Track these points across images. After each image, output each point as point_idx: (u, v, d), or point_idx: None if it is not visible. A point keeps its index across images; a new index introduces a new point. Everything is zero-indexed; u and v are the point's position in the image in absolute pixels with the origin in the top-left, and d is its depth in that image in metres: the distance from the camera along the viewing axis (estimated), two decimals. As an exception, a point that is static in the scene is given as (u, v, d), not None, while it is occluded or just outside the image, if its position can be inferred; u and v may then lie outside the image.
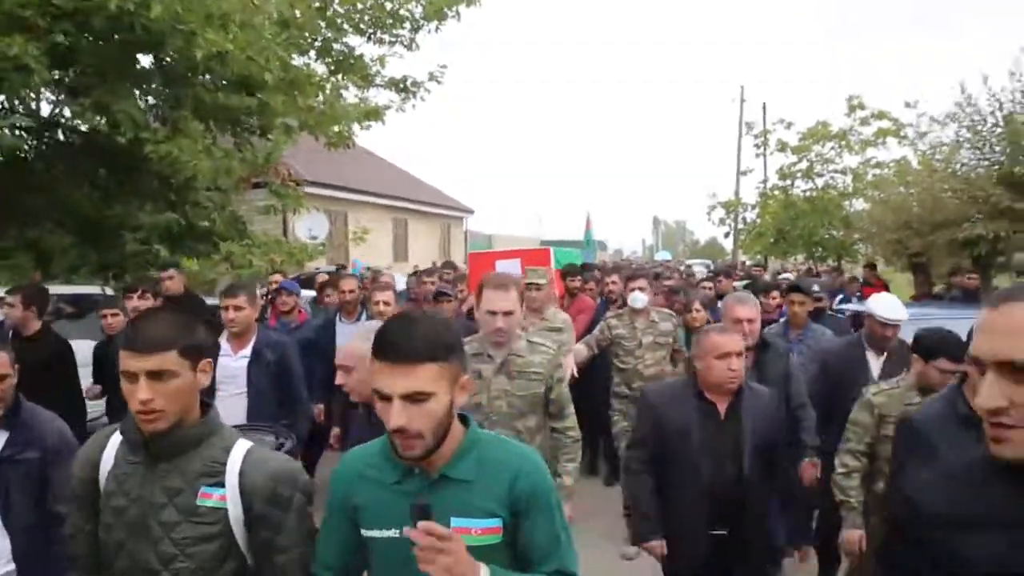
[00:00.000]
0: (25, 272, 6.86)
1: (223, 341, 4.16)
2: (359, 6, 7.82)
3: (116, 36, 5.67)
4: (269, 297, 6.37)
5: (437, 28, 8.20)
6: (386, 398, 1.42)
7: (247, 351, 4.15)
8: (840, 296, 8.70)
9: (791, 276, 12.26)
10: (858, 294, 9.06)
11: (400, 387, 1.40)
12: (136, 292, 4.99)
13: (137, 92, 6.90)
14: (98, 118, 6.45)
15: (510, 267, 6.19)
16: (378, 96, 8.93)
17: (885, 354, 3.90)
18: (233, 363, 4.14)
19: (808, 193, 19.22)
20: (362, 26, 8.20)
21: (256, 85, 6.91)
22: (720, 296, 6.27)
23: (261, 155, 7.06)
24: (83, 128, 7.21)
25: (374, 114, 8.62)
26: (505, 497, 1.53)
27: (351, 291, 5.47)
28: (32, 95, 5.99)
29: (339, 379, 2.72)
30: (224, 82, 6.87)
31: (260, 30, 5.74)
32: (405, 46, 8.57)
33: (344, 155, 10.76)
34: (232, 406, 3.97)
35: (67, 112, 6.98)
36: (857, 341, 4.03)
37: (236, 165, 6.72)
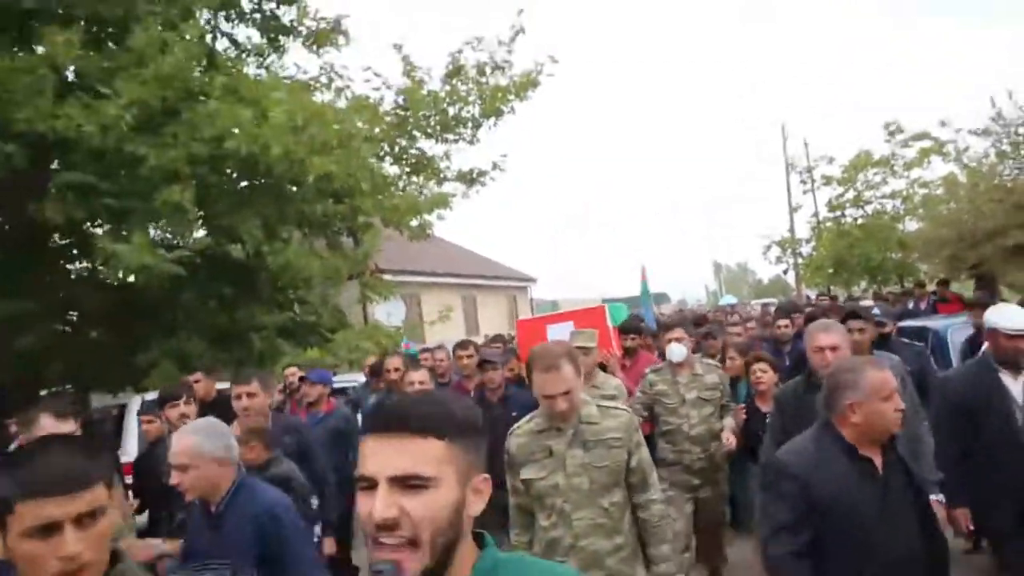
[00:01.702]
0: (172, 377, 8.09)
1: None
2: (427, 116, 9.05)
3: (243, 175, 6.94)
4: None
5: (495, 124, 9.37)
6: (369, 485, 1.02)
7: None
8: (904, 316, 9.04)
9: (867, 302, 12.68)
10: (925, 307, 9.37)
11: (390, 465, 1.01)
12: (181, 399, 4.36)
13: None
14: (224, 240, 7.73)
15: (562, 331, 5.71)
16: (446, 187, 10.07)
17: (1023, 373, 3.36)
18: None
19: (859, 220, 19.58)
20: (429, 131, 9.43)
21: (351, 195, 8.10)
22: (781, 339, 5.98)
23: (361, 254, 8.21)
24: (208, 251, 8.45)
25: (442, 202, 9.76)
26: None
27: (396, 369, 5.26)
28: (186, 232, 7.25)
29: (173, 479, 2.52)
30: (326, 197, 8.10)
31: (358, 152, 6.93)
32: (468, 142, 9.76)
33: (410, 242, 11.93)
34: None
35: (201, 239, 8.23)
36: (985, 363, 3.52)
37: (342, 265, 7.86)
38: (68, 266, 8.91)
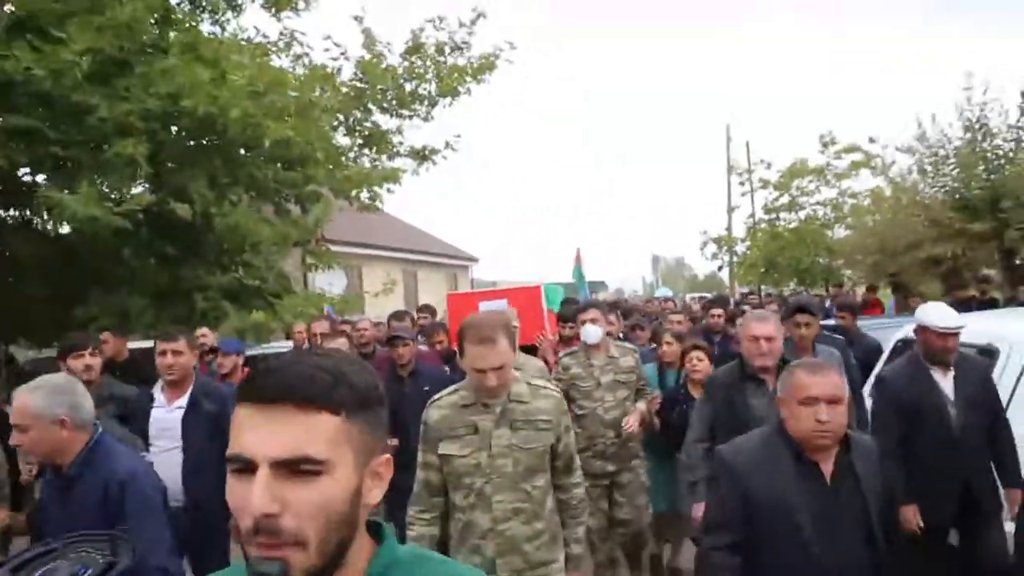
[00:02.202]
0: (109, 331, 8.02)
1: (157, 392, 3.86)
2: (384, 90, 9.12)
3: (197, 134, 6.91)
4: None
5: (451, 103, 9.51)
6: (247, 468, 0.83)
7: (183, 401, 3.80)
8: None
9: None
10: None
11: (273, 445, 0.82)
12: (86, 349, 4.19)
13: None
14: (170, 199, 7.68)
15: (496, 308, 5.54)
16: (397, 162, 10.18)
17: (952, 370, 3.43)
18: (167, 414, 3.79)
19: (792, 224, 20.51)
20: (385, 105, 9.50)
21: (303, 163, 8.13)
22: (712, 330, 6.17)
23: (312, 222, 8.26)
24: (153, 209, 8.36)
25: (392, 177, 9.86)
26: None
27: (299, 332, 5.30)
28: (130, 187, 7.17)
29: (13, 439, 2.44)
30: (277, 162, 8.11)
31: (316, 121, 6.99)
32: (422, 119, 9.87)
33: (355, 214, 11.94)
34: (166, 462, 3.63)
35: (140, 196, 8.14)
36: (915, 360, 3.55)
37: (292, 232, 7.90)
38: (2, 213, 8.67)
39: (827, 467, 2.18)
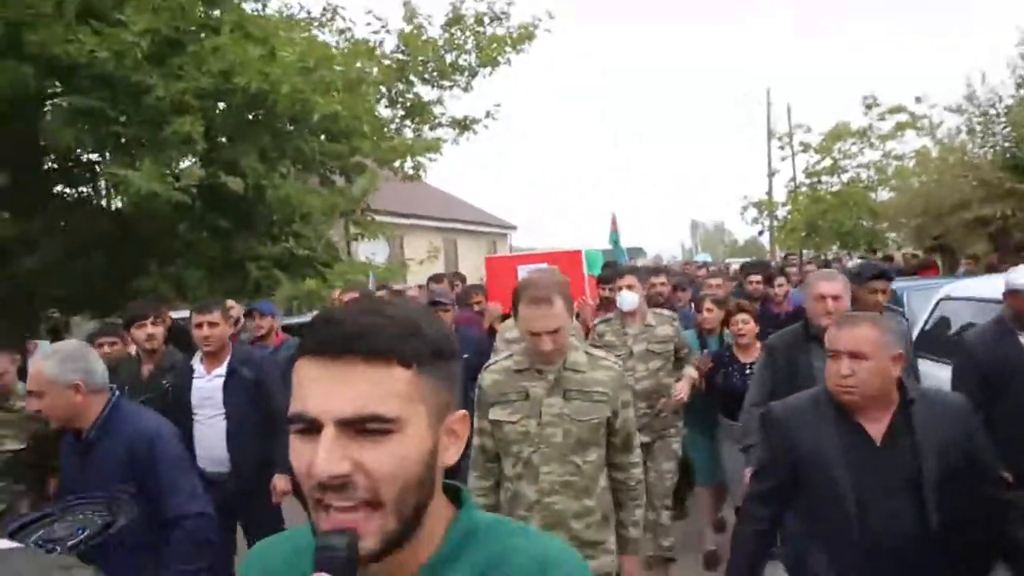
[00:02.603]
0: (168, 301, 8.41)
1: (196, 362, 3.92)
2: (425, 62, 9.27)
3: (247, 109, 7.16)
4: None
5: (491, 73, 9.61)
6: (311, 427, 0.77)
7: (222, 370, 3.88)
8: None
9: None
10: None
11: (339, 402, 0.76)
12: (148, 318, 4.21)
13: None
14: (222, 173, 7.98)
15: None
16: (437, 132, 10.35)
17: None
18: (207, 384, 3.88)
19: (834, 188, 20.18)
20: (426, 76, 9.65)
21: (350, 136, 8.35)
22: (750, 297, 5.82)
23: (359, 192, 8.51)
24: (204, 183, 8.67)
25: (434, 147, 10.04)
26: None
27: (334, 301, 5.24)
28: (182, 162, 7.48)
29: (30, 404, 2.53)
30: (323, 135, 8.34)
31: (364, 96, 7.18)
32: (463, 89, 10.00)
33: (396, 184, 12.17)
34: (209, 431, 3.78)
35: (189, 170, 8.43)
36: (1002, 324, 3.39)
37: (341, 202, 8.16)
38: (64, 190, 9.08)
39: (878, 426, 2.05)
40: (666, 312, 4.59)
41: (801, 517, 2.23)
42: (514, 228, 30.08)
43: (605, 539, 2.49)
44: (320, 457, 0.74)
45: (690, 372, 4.35)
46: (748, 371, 4.21)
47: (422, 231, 21.31)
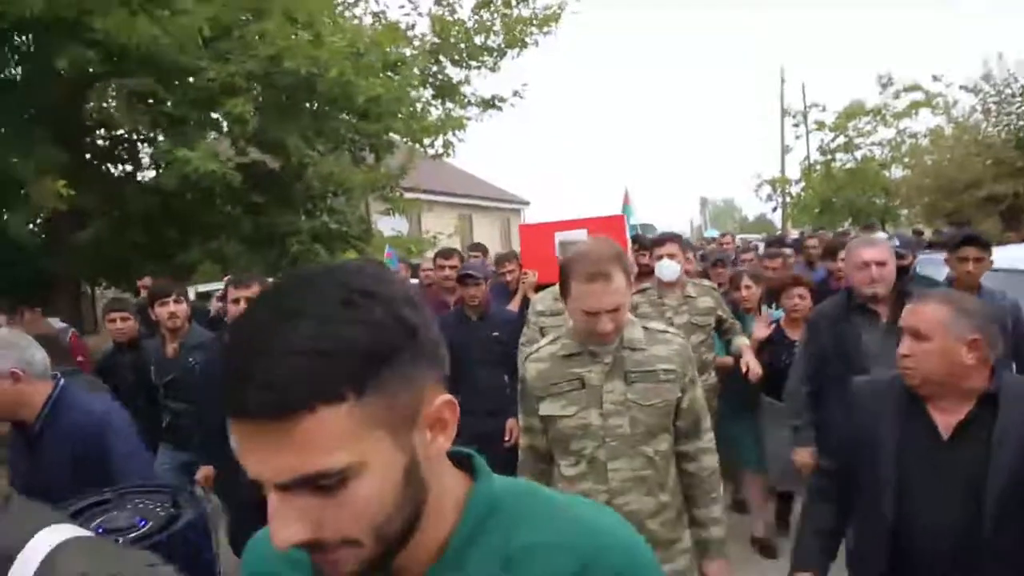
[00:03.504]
0: (213, 275, 8.82)
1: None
2: (455, 44, 9.59)
3: (292, 92, 7.52)
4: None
5: (519, 54, 9.92)
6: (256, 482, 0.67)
7: None
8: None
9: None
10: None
11: (270, 470, 0.64)
12: (171, 296, 4.07)
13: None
14: (264, 151, 8.37)
15: (574, 239, 5.03)
16: (466, 111, 10.67)
17: None
18: None
19: (848, 165, 20.40)
20: (456, 57, 9.96)
21: (380, 116, 8.69)
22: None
23: (398, 169, 8.88)
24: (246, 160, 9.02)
25: (458, 125, 10.38)
26: None
27: None
28: (243, 142, 7.86)
29: None
30: (359, 114, 8.70)
31: (406, 77, 7.53)
32: (490, 69, 10.31)
33: (432, 160, 12.52)
34: None
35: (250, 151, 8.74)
36: None
37: (381, 177, 8.55)
38: (108, 168, 9.46)
39: (950, 419, 1.86)
40: (706, 282, 4.27)
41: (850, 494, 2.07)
42: (527, 204, 30.34)
43: (680, 536, 2.19)
44: (273, 528, 0.64)
45: (743, 342, 3.97)
46: (796, 348, 3.83)
47: (438, 207, 21.62)
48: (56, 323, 4.61)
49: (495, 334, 4.21)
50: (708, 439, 2.23)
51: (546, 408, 2.15)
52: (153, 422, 3.93)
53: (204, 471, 3.68)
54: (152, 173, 8.99)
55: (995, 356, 1.86)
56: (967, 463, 1.81)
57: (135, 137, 8.91)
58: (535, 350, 2.24)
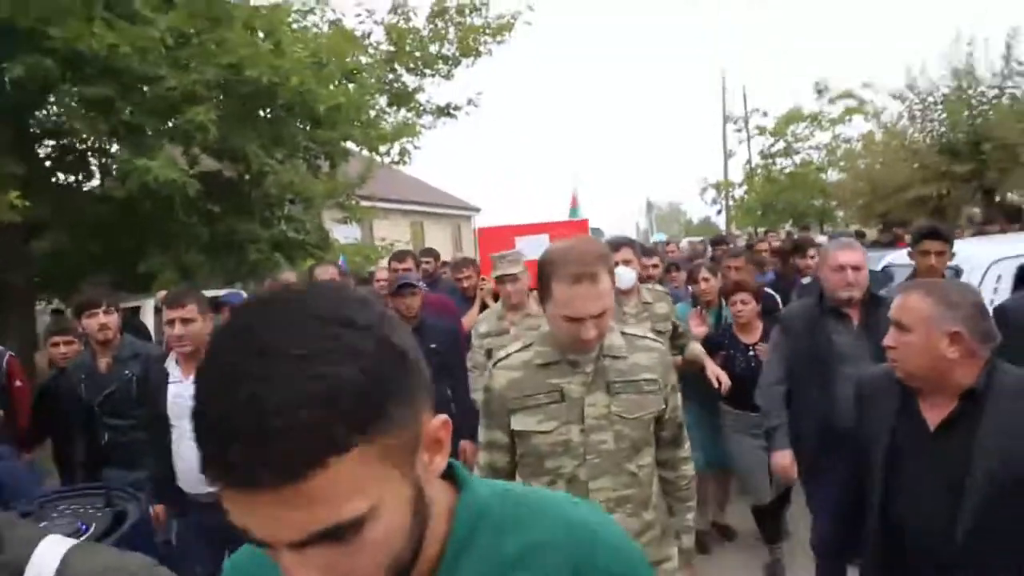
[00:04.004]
0: (173, 284, 8.78)
1: (170, 365, 3.27)
2: (411, 52, 9.78)
3: (252, 101, 7.57)
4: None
5: (473, 63, 10.16)
6: (262, 543, 0.63)
7: None
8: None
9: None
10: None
11: (282, 532, 0.60)
12: (100, 307, 3.78)
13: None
14: (222, 159, 8.38)
15: (534, 245, 5.03)
16: (422, 119, 10.85)
17: None
18: (187, 389, 3.08)
19: (787, 169, 21.28)
20: (411, 65, 10.14)
21: (334, 124, 8.77)
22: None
23: (358, 178, 8.99)
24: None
25: (411, 132, 10.55)
26: None
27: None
28: (196, 150, 7.85)
29: None
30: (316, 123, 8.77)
31: (366, 86, 7.66)
32: (444, 77, 10.52)
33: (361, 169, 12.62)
34: (192, 445, 2.57)
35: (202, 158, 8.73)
36: None
37: (340, 186, 8.64)
38: (59, 177, 9.31)
39: (937, 413, 1.84)
40: (659, 287, 4.22)
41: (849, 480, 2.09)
42: (478, 210, 30.57)
43: (669, 555, 2.09)
44: None
45: (698, 349, 3.97)
46: (751, 352, 4.04)
47: (391, 215, 21.67)
48: (-10, 346, 4.28)
49: (432, 345, 4.01)
50: (687, 447, 2.15)
51: (519, 422, 1.98)
52: (90, 446, 3.74)
53: (156, 510, 3.25)
54: (102, 182, 8.90)
55: (988, 350, 1.81)
56: (950, 461, 1.78)
57: (86, 146, 8.81)
58: (504, 356, 2.07)
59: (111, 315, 3.83)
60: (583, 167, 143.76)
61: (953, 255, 3.59)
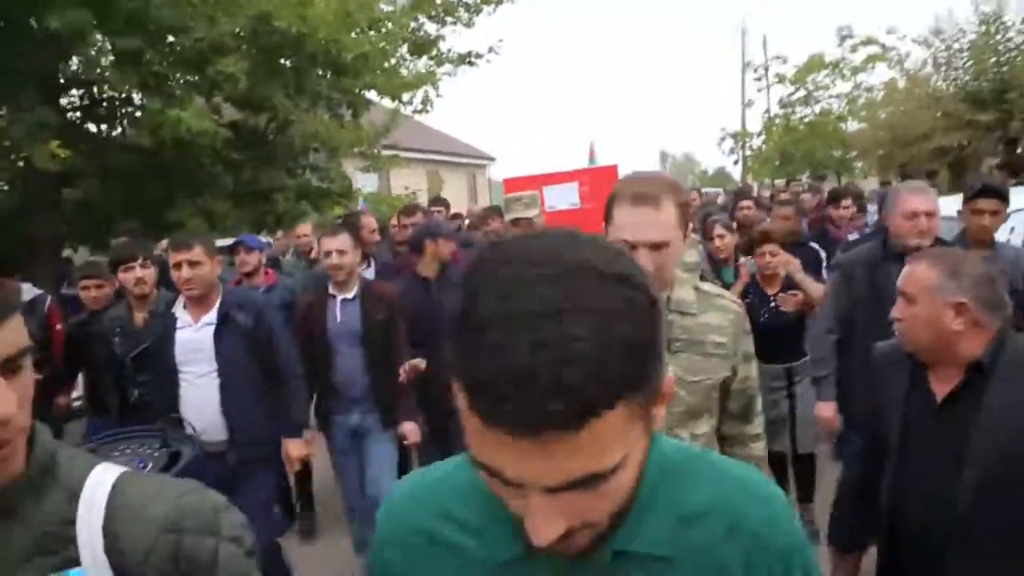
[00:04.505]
0: (203, 232, 8.99)
1: (178, 310, 3.29)
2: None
3: (279, 51, 7.64)
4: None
5: (494, 10, 10.11)
6: (512, 483, 0.64)
7: (211, 317, 3.24)
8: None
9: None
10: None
11: (544, 476, 0.62)
12: (136, 260, 3.70)
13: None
14: (250, 110, 8.50)
15: (564, 194, 4.91)
16: (443, 68, 10.84)
17: None
18: (195, 334, 3.23)
19: (807, 118, 21.05)
20: (432, 13, 10.11)
21: (358, 73, 8.82)
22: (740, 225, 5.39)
23: (383, 128, 9.09)
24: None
25: (431, 79, 10.57)
26: None
27: (304, 235, 5.22)
28: (221, 100, 7.96)
29: None
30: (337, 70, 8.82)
31: (394, 34, 7.71)
32: (465, 25, 10.49)
33: (380, 117, 12.66)
34: (199, 391, 3.18)
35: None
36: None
37: (364, 136, 8.76)
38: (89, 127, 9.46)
39: (944, 387, 1.80)
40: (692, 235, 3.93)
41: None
42: (493, 159, 30.48)
43: None
44: (535, 525, 0.65)
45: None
46: (772, 303, 3.92)
47: (407, 163, 21.71)
48: (31, 290, 4.28)
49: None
50: (759, 423, 1.98)
51: None
52: (122, 400, 3.65)
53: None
54: (123, 132, 9.03)
55: (998, 321, 1.75)
56: (954, 434, 1.74)
57: (113, 96, 8.92)
58: None
59: (148, 268, 3.74)
60: (599, 118, 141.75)
61: (1007, 215, 3.30)
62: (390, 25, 8.12)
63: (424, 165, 23.57)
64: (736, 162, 25.19)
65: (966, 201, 3.26)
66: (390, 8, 8.52)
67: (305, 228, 6.72)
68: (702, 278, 3.70)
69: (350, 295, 3.72)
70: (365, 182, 14.38)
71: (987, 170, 12.77)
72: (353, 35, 7.47)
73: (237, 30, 7.16)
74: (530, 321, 0.59)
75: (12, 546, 0.84)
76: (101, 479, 0.92)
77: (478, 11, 10.12)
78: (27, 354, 0.85)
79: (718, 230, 4.47)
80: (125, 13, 6.94)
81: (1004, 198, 3.20)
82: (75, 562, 0.86)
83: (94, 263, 4.38)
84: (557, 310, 0.59)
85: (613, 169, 5.20)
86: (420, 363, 3.70)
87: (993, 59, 11.94)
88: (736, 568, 0.77)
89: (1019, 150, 12.12)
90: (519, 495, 0.65)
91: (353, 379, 3.69)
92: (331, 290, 3.76)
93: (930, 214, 2.86)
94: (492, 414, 0.60)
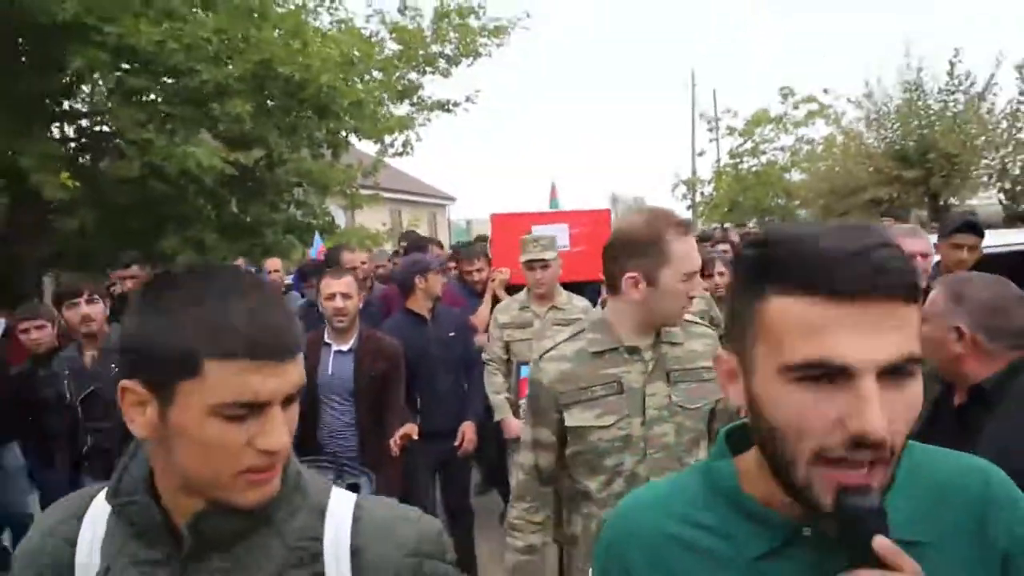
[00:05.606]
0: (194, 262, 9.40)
1: (328, 337, 3.35)
2: (416, 50, 10.54)
3: (279, 95, 8.25)
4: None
5: (472, 63, 10.96)
6: (827, 375, 0.69)
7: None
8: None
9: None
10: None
11: (881, 350, 0.68)
12: (81, 295, 3.43)
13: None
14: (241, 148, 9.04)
15: (554, 234, 4.55)
16: (423, 114, 11.62)
17: None
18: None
19: (754, 168, 22.50)
20: (415, 63, 10.90)
21: (339, 116, 9.42)
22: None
23: (370, 167, 9.72)
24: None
25: (412, 124, 11.29)
26: (985, 561, 0.79)
27: (275, 271, 5.21)
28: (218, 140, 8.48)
29: None
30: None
31: (387, 83, 8.40)
32: (443, 75, 11.30)
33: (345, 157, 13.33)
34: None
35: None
36: None
37: (353, 174, 9.38)
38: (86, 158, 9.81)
39: (960, 399, 1.86)
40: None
41: None
42: (453, 199, 31.27)
43: None
44: (869, 414, 0.65)
45: None
46: None
47: (381, 201, 22.31)
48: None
49: (451, 334, 3.95)
50: None
51: (575, 418, 1.84)
52: (74, 449, 3.41)
53: None
54: (128, 165, 9.41)
55: (1008, 348, 1.75)
56: (963, 448, 1.83)
57: (112, 130, 9.34)
58: (551, 347, 1.93)
59: (94, 304, 3.43)
60: (556, 161, 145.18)
61: (982, 251, 3.43)
62: (380, 75, 8.81)
63: (387, 204, 24.17)
64: (689, 207, 26.61)
65: (946, 236, 3.40)
66: (380, 58, 9.25)
67: (275, 263, 6.83)
68: (712, 321, 3.71)
69: (345, 347, 3.42)
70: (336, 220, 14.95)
71: (915, 221, 14.04)
72: (348, 84, 8.10)
73: (241, 74, 7.72)
74: (850, 232, 0.72)
75: (271, 556, 0.87)
76: (343, 498, 0.95)
77: (457, 63, 10.96)
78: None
79: (718, 267, 4.31)
80: (141, 55, 7.46)
81: (981, 234, 3.38)
82: None
83: (32, 305, 4.11)
84: (878, 232, 0.73)
85: (606, 213, 5.15)
86: (412, 429, 3.41)
87: (916, 122, 13.33)
88: (986, 546, 0.78)
89: (940, 203, 13.46)
90: (832, 401, 0.68)
91: (341, 437, 3.41)
92: (327, 338, 3.44)
93: (924, 255, 2.97)
94: (828, 281, 0.67)
